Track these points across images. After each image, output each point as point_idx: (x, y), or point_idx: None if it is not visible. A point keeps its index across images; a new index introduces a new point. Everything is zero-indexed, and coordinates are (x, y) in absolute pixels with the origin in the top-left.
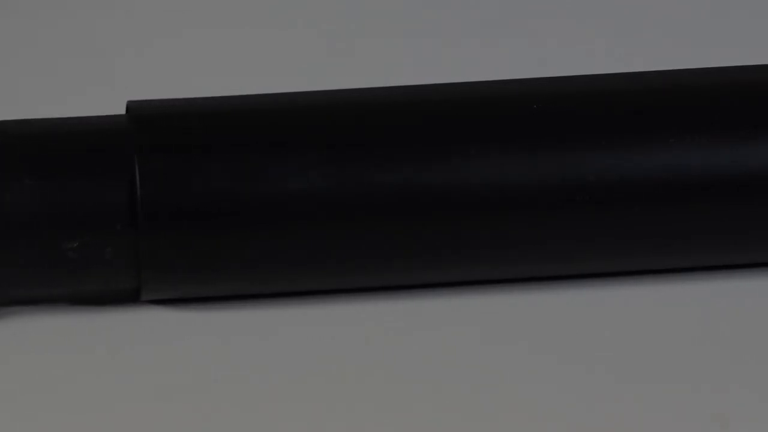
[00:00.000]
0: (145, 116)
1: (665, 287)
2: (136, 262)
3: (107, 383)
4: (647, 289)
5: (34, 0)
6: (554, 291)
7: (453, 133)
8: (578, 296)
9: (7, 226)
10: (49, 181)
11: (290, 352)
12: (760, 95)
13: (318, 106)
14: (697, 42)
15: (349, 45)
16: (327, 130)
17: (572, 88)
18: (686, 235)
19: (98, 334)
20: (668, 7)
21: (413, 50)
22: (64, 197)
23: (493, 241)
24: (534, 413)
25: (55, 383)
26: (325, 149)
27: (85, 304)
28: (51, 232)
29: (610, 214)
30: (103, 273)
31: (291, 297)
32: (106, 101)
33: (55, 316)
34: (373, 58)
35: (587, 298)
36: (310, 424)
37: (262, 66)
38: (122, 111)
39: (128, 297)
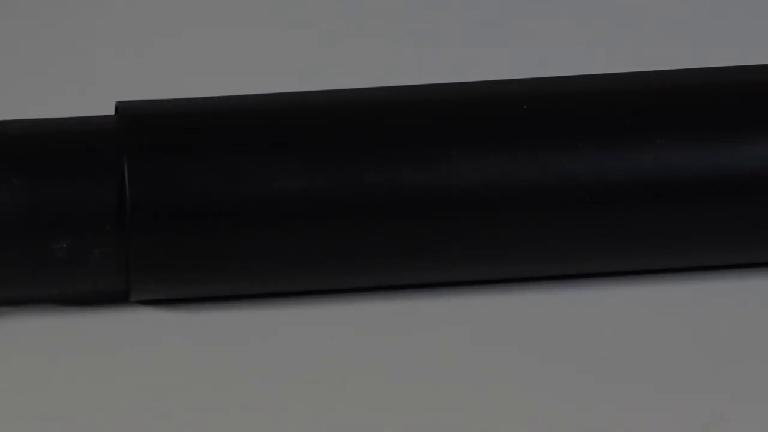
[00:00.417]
0: (134, 117)
1: (664, 287)
2: (125, 263)
3: (99, 384)
4: (647, 289)
5: (25, 0)
6: (553, 291)
7: (452, 133)
8: (577, 296)
9: None
10: (38, 181)
11: (289, 353)
12: (760, 95)
13: (309, 106)
14: (697, 42)
15: (348, 45)
16: (318, 130)
17: (572, 88)
18: (686, 235)
19: (90, 334)
20: (668, 7)
21: (413, 50)
22: (53, 197)
23: (492, 241)
24: (534, 413)
25: (45, 384)
26: (315, 150)
27: (73, 304)
28: (40, 232)
29: (609, 214)
30: (92, 273)
31: (288, 297)
32: (102, 102)
33: (44, 316)
34: (373, 58)
35: (586, 298)
36: (308, 425)
37: (258, 66)
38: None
39: (117, 297)
